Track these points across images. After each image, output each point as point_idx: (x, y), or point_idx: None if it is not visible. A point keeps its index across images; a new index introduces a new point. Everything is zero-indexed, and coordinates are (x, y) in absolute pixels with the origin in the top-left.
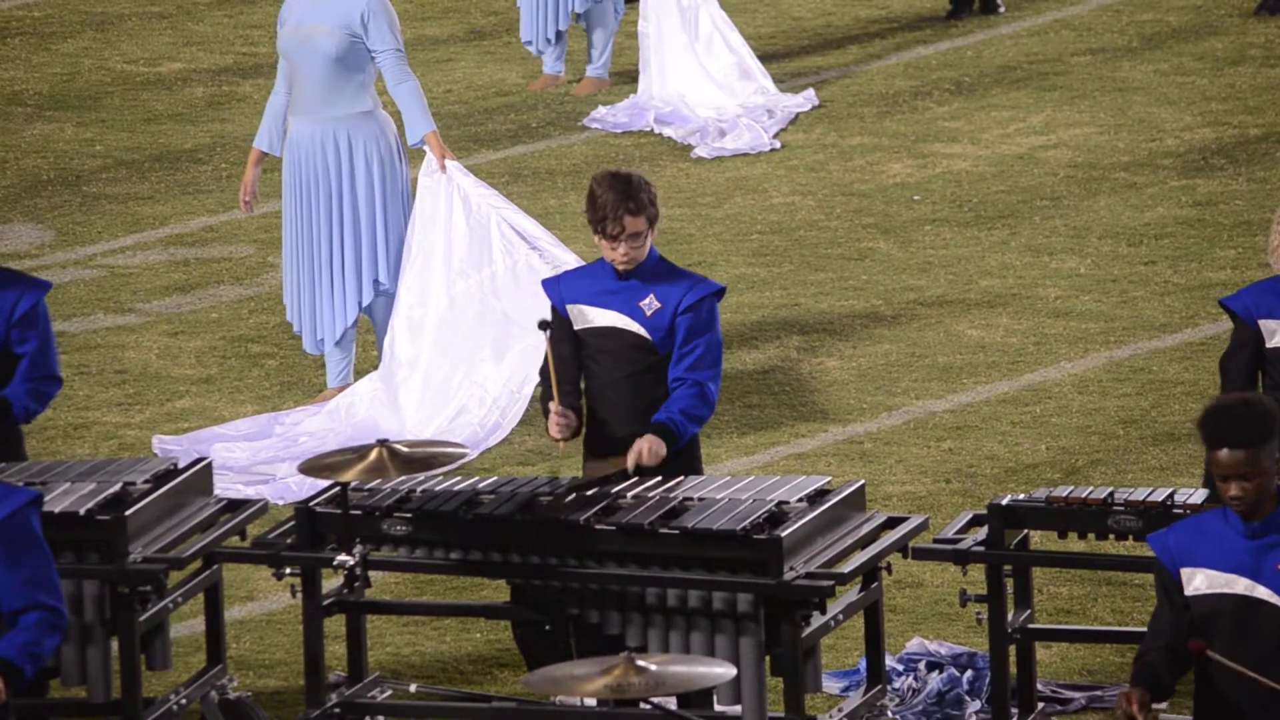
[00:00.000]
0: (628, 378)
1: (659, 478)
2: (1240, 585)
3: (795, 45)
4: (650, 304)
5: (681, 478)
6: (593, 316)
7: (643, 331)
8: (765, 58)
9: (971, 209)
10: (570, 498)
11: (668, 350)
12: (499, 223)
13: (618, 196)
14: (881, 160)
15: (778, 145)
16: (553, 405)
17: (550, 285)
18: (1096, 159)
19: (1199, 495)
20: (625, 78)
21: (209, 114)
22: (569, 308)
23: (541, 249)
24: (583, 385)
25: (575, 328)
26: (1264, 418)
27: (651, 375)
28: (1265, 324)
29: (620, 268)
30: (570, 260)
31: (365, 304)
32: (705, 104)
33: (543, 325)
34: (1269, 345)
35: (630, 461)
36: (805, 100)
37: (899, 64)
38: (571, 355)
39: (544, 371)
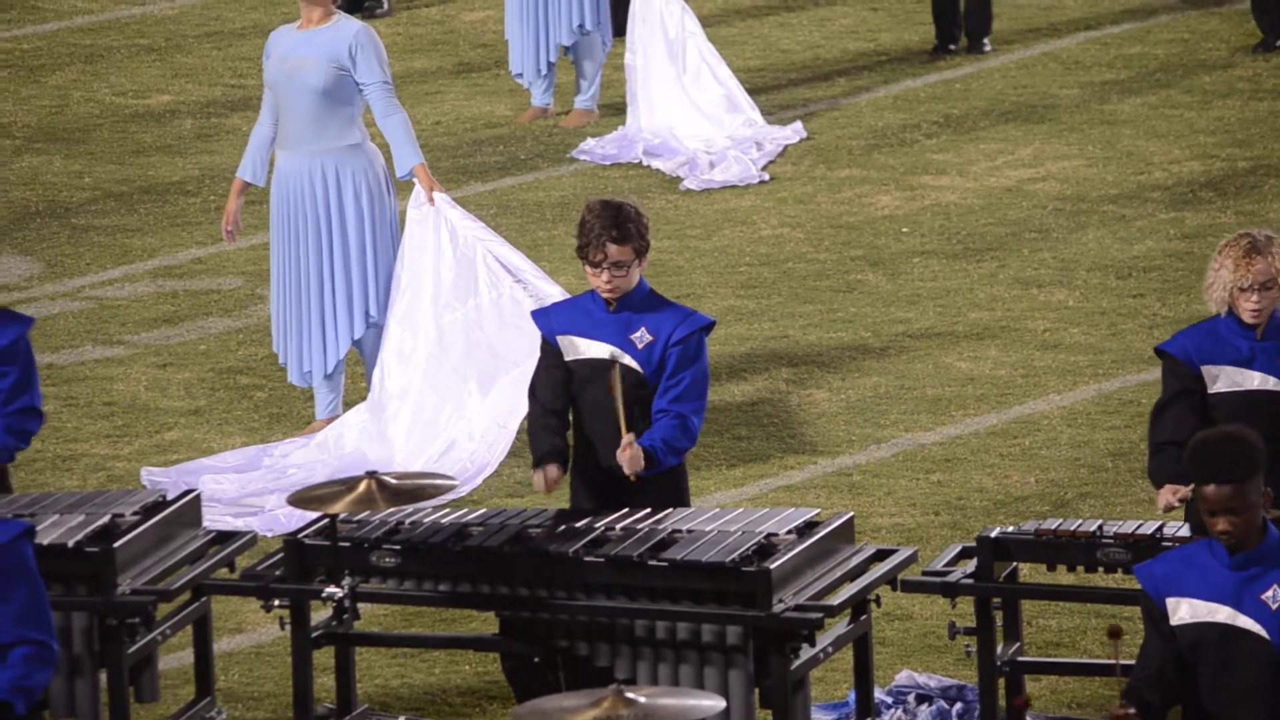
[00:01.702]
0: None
1: (648, 509)
2: (1223, 614)
3: (783, 78)
4: (641, 337)
5: (670, 510)
6: (584, 348)
7: (634, 364)
8: (753, 90)
9: (960, 241)
10: (560, 529)
11: (658, 383)
12: (485, 255)
13: (604, 224)
14: (870, 193)
15: (766, 177)
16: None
17: (540, 316)
18: (1085, 192)
19: (1185, 529)
20: (613, 110)
21: (197, 146)
22: (559, 339)
23: (526, 281)
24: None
25: (565, 359)
26: (1250, 453)
27: (641, 408)
28: (1207, 370)
29: (606, 296)
30: (555, 293)
31: (357, 337)
32: (693, 136)
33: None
34: (1212, 391)
35: (618, 456)
36: (793, 133)
37: (887, 96)
38: (561, 386)
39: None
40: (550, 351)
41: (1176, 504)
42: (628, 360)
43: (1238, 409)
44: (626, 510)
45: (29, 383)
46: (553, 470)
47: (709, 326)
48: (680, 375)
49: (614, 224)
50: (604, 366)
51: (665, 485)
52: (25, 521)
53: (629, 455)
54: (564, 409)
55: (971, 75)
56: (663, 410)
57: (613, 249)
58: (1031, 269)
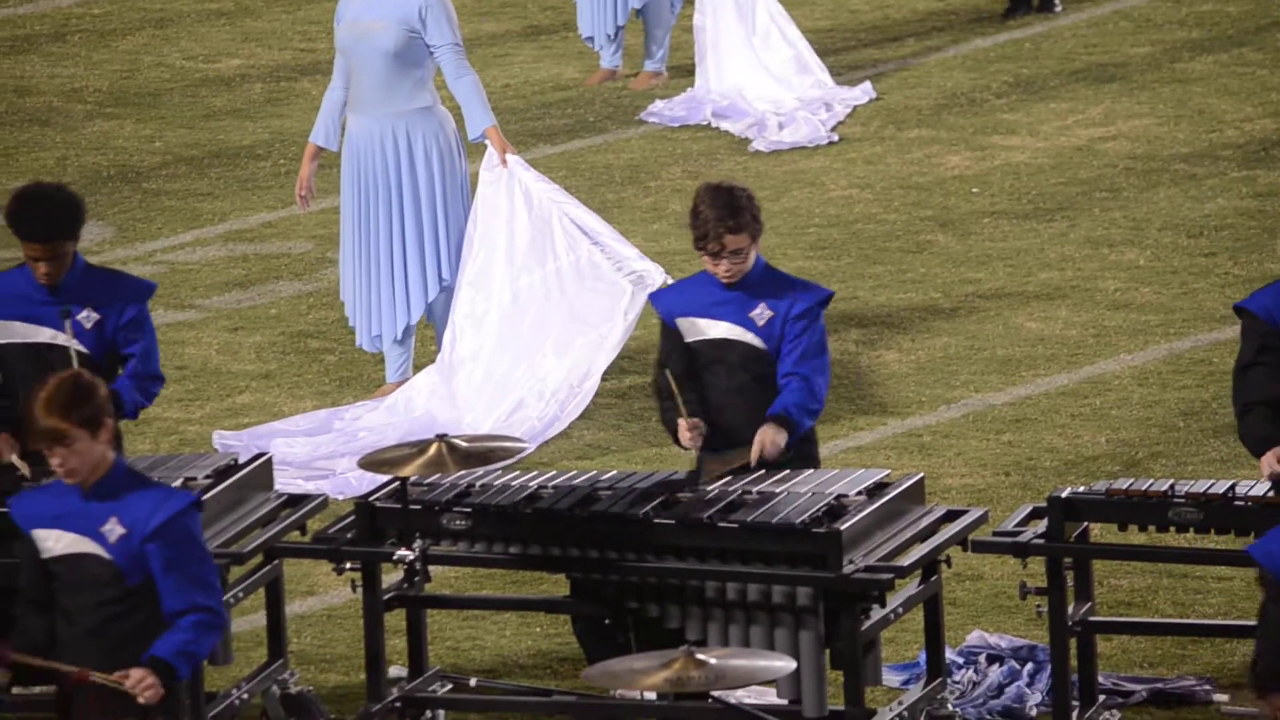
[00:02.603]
0: (743, 386)
1: (762, 472)
2: None
3: (852, 38)
4: (761, 313)
5: (743, 471)
6: (705, 328)
7: (756, 341)
8: (822, 51)
9: (1030, 201)
10: (631, 493)
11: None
12: (560, 217)
13: (719, 213)
14: (939, 153)
15: (835, 138)
16: (682, 422)
17: (658, 299)
18: (1156, 150)
19: (1261, 487)
20: (682, 72)
21: (267, 110)
22: (679, 320)
23: (603, 244)
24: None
25: (686, 340)
26: None
27: (767, 383)
28: None
29: (724, 282)
30: (631, 254)
31: (430, 301)
32: (762, 97)
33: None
34: None
35: (754, 454)
36: (863, 93)
37: (957, 57)
38: (686, 367)
39: (666, 392)
40: (670, 334)
41: None
42: (750, 338)
43: None
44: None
45: (152, 349)
46: (698, 423)
47: (828, 299)
48: (799, 339)
49: (730, 213)
50: (724, 345)
51: (796, 448)
52: (193, 493)
53: (769, 438)
54: (695, 390)
55: (1041, 34)
56: (788, 374)
57: (730, 239)
58: (1102, 228)
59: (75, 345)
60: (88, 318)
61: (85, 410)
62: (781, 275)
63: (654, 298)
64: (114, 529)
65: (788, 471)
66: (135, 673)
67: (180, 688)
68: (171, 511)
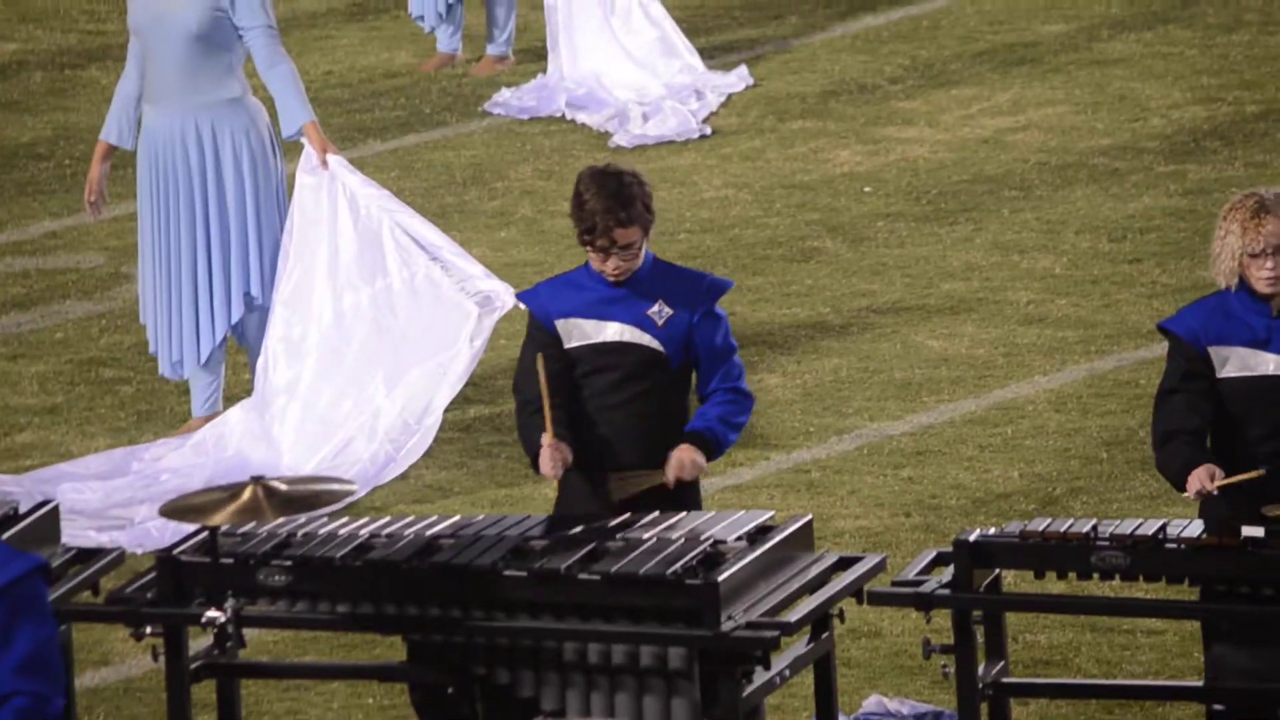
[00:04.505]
0: (635, 397)
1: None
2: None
3: (726, 17)
4: (660, 311)
5: (602, 515)
6: (592, 330)
7: (655, 344)
8: (691, 32)
9: (930, 202)
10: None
11: (680, 363)
12: (392, 228)
13: (607, 204)
14: (827, 147)
15: (707, 131)
16: (545, 438)
17: (531, 298)
18: (1072, 143)
19: (1195, 527)
20: (531, 56)
21: (49, 102)
22: (559, 323)
23: (443, 259)
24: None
25: (567, 345)
26: None
27: (660, 393)
28: (1216, 351)
29: (612, 280)
30: (476, 271)
31: (235, 321)
32: (624, 85)
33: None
34: (1221, 375)
35: (671, 474)
36: (738, 79)
37: (845, 37)
38: (560, 377)
39: (531, 402)
40: (545, 339)
41: (1213, 490)
42: (648, 340)
43: (1251, 396)
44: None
45: None
46: (562, 447)
47: (727, 288)
48: (722, 348)
49: (620, 203)
50: (617, 350)
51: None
52: (39, 556)
53: (690, 458)
54: (566, 405)
55: (941, 11)
56: (714, 390)
57: (620, 233)
58: (1012, 232)
59: None
60: None
61: None
62: (673, 268)
63: (527, 297)
64: None
65: (656, 514)
66: None
67: None
68: (11, 575)
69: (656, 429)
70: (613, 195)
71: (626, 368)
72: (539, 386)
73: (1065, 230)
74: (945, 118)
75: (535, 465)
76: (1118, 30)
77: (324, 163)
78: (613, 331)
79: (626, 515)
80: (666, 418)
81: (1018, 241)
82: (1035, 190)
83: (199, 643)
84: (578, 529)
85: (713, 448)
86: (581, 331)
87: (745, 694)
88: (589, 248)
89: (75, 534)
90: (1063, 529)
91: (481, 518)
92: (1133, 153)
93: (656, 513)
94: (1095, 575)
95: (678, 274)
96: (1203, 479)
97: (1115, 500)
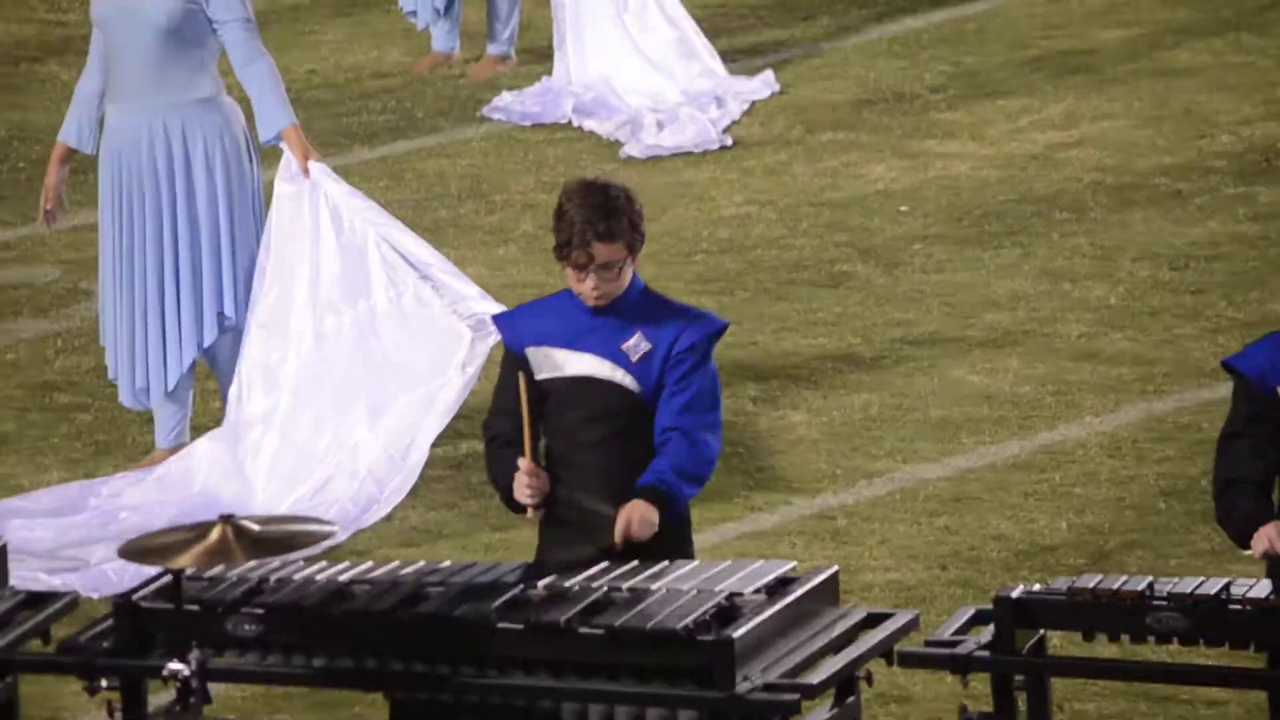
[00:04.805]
0: (605, 439)
1: (632, 564)
2: None
3: (751, 17)
4: (637, 345)
5: (605, 564)
6: (563, 362)
7: (628, 381)
8: (713, 32)
9: (973, 223)
10: (465, 587)
11: (656, 405)
12: (378, 243)
13: (588, 215)
14: (859, 161)
15: (728, 142)
16: (523, 462)
17: (504, 322)
18: (1131, 161)
19: (1262, 587)
20: (535, 56)
21: (3, 99)
22: (530, 351)
23: (434, 278)
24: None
25: (538, 376)
26: None
27: (635, 435)
28: None
29: (591, 304)
30: (471, 293)
31: (206, 344)
32: (637, 90)
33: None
34: None
35: (618, 533)
36: (763, 85)
37: (882, 40)
38: (532, 412)
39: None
40: (516, 366)
41: None
42: (620, 376)
43: None
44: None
45: None
46: (540, 474)
47: (722, 330)
48: (686, 382)
49: (602, 215)
50: (585, 385)
51: (666, 534)
52: None
53: (637, 515)
54: (537, 438)
55: (988, 13)
56: (669, 429)
57: (600, 249)
58: (1063, 258)
59: None
60: None
61: None
62: (664, 301)
63: (499, 320)
64: None
65: (666, 563)
66: None
67: None
68: None
69: (629, 475)
70: (596, 207)
71: (595, 405)
72: (518, 410)
73: (1122, 257)
74: (991, 131)
75: (508, 500)
76: (1184, 37)
77: (305, 170)
78: (583, 364)
79: (634, 564)
80: (641, 464)
81: (1069, 269)
82: (1089, 212)
83: (160, 698)
84: (575, 580)
85: (665, 503)
86: (552, 362)
87: None
88: (565, 264)
89: (25, 576)
90: (1115, 586)
91: (473, 564)
92: (1198, 173)
93: (665, 562)
94: (1151, 638)
95: (665, 306)
96: (1272, 537)
97: (1174, 555)
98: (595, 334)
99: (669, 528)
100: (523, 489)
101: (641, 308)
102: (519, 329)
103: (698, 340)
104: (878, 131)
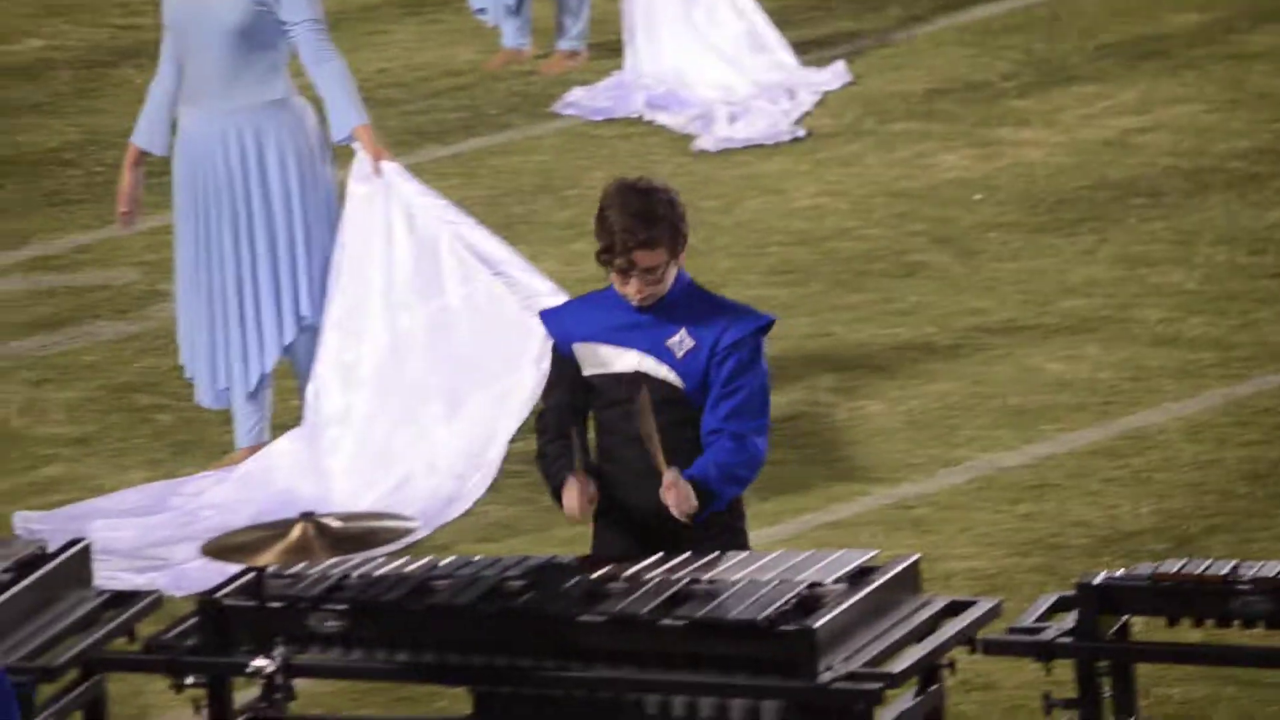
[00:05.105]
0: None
1: (660, 554)
2: None
3: (821, 8)
4: (681, 342)
5: (687, 554)
6: (608, 358)
7: (672, 377)
8: (783, 24)
9: (1048, 210)
10: (549, 581)
11: (703, 402)
12: (452, 241)
13: (629, 222)
14: (933, 151)
15: (801, 134)
16: (573, 478)
17: (551, 317)
18: (1206, 145)
19: None
20: (606, 51)
21: (78, 104)
22: (576, 347)
23: (508, 274)
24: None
25: (585, 372)
26: None
27: (680, 432)
28: None
29: (636, 303)
30: (544, 288)
31: (286, 344)
32: (709, 83)
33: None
34: None
35: (666, 494)
36: (834, 76)
37: (953, 29)
38: (579, 407)
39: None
40: (563, 363)
41: None
42: (665, 372)
43: None
44: (658, 557)
45: None
46: (587, 485)
47: (767, 326)
48: (735, 384)
49: (643, 223)
50: (634, 381)
51: (717, 526)
52: None
53: (676, 493)
54: (585, 434)
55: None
56: (716, 430)
57: (641, 255)
58: (1140, 243)
59: None
60: None
61: None
62: (710, 297)
63: (546, 316)
64: None
65: (747, 554)
66: None
67: None
68: None
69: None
70: (636, 213)
71: (640, 417)
72: (565, 406)
73: (1199, 242)
74: (1064, 118)
75: (557, 497)
76: (1259, 20)
77: (378, 170)
78: (628, 361)
79: (717, 554)
80: (687, 459)
81: (1146, 254)
82: (1165, 197)
83: (245, 694)
84: (661, 571)
85: (706, 497)
86: (598, 358)
87: None
88: (608, 268)
89: (109, 575)
90: (1199, 571)
91: (553, 558)
92: (1274, 155)
93: (745, 553)
94: (1236, 622)
95: (710, 303)
96: None
97: (1257, 540)
98: (640, 330)
99: (721, 520)
100: (575, 502)
101: (687, 305)
102: (565, 325)
103: (742, 336)
104: (950, 120)
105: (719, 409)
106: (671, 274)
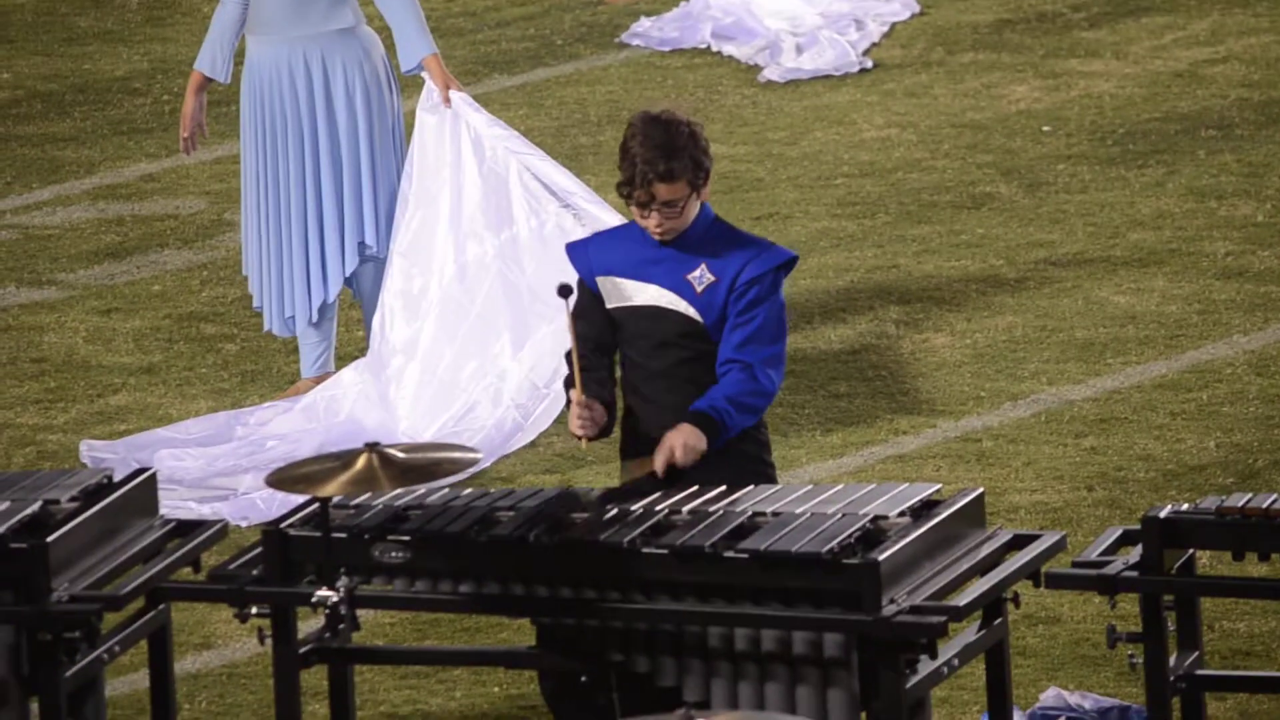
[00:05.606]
0: (671, 368)
1: (722, 487)
2: None
3: None
4: (701, 276)
5: (751, 487)
6: (630, 292)
7: (691, 311)
8: None
9: (1117, 142)
10: (611, 513)
11: (720, 335)
12: (520, 172)
13: (650, 155)
14: (1001, 82)
15: (868, 65)
16: (574, 394)
17: (577, 251)
18: (1278, 77)
19: None
20: None
21: (146, 32)
22: (600, 280)
23: (576, 206)
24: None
25: (608, 305)
26: None
27: (701, 365)
28: None
29: (657, 237)
30: (612, 220)
31: (349, 273)
32: (776, 13)
33: (563, 291)
34: None
35: (659, 463)
36: (903, 7)
37: None
38: (603, 338)
39: (567, 352)
40: (588, 296)
41: None
42: (685, 307)
43: None
44: (696, 488)
45: None
46: (595, 406)
47: (789, 263)
48: (749, 314)
49: (663, 155)
50: (651, 315)
51: (738, 458)
52: None
53: (680, 441)
54: (608, 367)
55: None
56: (729, 360)
57: (661, 188)
58: (1209, 176)
59: None
60: None
61: None
62: (734, 231)
63: (571, 250)
64: None
65: (810, 487)
66: None
67: None
68: None
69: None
70: (658, 146)
71: (661, 335)
72: (591, 336)
73: (1269, 174)
74: (1134, 49)
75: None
76: None
77: (446, 100)
78: (650, 294)
79: (779, 486)
80: (705, 391)
81: (1215, 186)
82: (1235, 129)
83: (309, 625)
84: (724, 504)
85: (716, 430)
86: (620, 292)
87: (909, 685)
88: (629, 201)
89: (174, 505)
90: (1265, 505)
91: (617, 489)
92: None
93: (809, 485)
94: None
95: (734, 237)
96: None
97: None
98: (661, 265)
99: (743, 454)
100: (574, 420)
101: (708, 240)
102: (590, 259)
103: (762, 272)
104: (1019, 51)
105: (732, 338)
106: (694, 208)
